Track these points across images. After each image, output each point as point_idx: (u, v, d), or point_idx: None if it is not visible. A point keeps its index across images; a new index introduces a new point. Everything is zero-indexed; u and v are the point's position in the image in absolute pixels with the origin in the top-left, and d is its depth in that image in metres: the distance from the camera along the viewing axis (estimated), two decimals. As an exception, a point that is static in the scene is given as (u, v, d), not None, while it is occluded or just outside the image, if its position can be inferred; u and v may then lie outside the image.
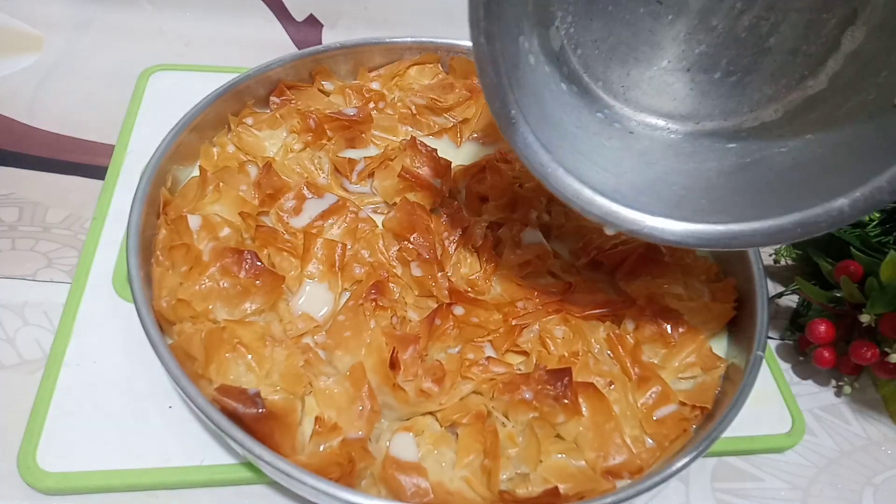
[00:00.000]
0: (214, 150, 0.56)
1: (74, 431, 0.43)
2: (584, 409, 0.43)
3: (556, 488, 0.39)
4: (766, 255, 0.63)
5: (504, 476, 0.40)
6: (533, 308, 0.49)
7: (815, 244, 0.59)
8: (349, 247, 0.50)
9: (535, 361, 0.46)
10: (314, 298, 0.48)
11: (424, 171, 0.56)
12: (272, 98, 0.62)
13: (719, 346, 0.52)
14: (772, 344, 0.58)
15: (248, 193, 0.52)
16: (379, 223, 0.54)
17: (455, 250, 0.52)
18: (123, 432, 0.43)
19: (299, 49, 0.78)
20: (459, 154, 0.62)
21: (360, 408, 0.41)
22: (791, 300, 0.61)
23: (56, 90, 0.69)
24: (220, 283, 0.45)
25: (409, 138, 0.59)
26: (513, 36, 0.36)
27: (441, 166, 0.56)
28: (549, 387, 0.42)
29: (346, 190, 0.57)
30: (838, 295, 0.54)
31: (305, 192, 0.53)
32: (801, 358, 0.58)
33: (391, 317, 0.46)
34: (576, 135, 0.43)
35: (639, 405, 0.45)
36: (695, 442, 0.42)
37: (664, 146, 0.46)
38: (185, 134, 0.54)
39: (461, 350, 0.47)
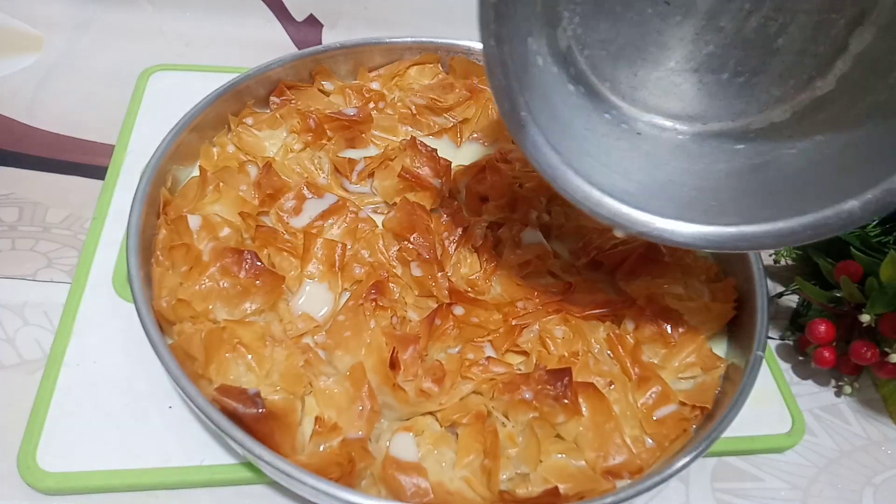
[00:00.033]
0: (214, 150, 0.56)
1: (74, 431, 0.43)
2: (584, 409, 0.43)
3: (556, 488, 0.39)
4: (766, 255, 0.63)
5: (504, 476, 0.40)
6: (533, 308, 0.49)
7: (816, 244, 0.59)
8: (349, 247, 0.50)
9: (535, 361, 0.46)
10: (314, 298, 0.48)
11: (424, 171, 0.56)
12: (272, 98, 0.62)
13: (719, 346, 0.52)
14: (772, 344, 0.58)
15: (248, 193, 0.52)
16: (379, 223, 0.54)
17: (455, 250, 0.52)
18: (123, 432, 0.43)
19: (299, 49, 0.78)
20: (459, 154, 0.62)
21: (360, 408, 0.41)
22: (791, 300, 0.61)
23: (56, 90, 0.69)
24: (220, 283, 0.45)
25: (409, 138, 0.59)
26: (521, 37, 0.36)
27: (441, 166, 0.56)
28: (549, 387, 0.42)
29: (346, 190, 0.57)
30: (838, 295, 0.54)
31: (305, 192, 0.53)
32: (801, 358, 0.58)
33: (391, 317, 0.46)
34: (584, 136, 0.43)
35: (639, 405, 0.45)
36: (695, 442, 0.42)
37: (672, 147, 0.46)
38: (185, 134, 0.54)
39: (461, 350, 0.47)
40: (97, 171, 0.60)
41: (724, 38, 0.44)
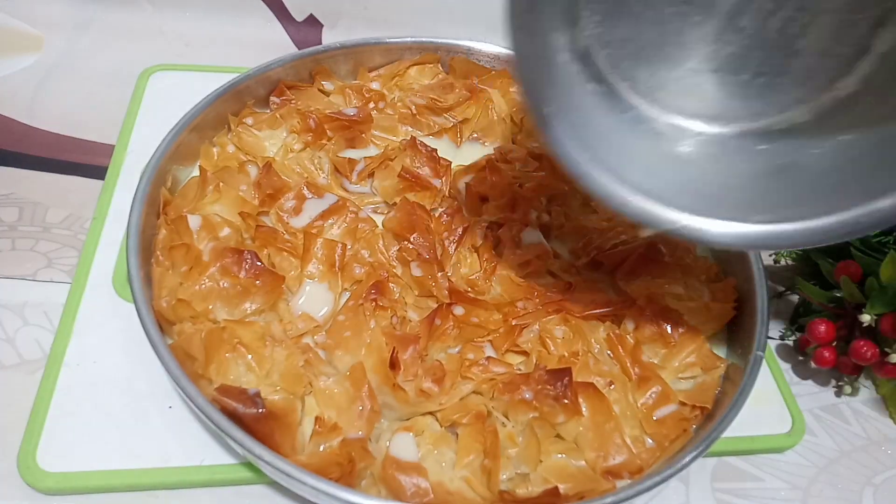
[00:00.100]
0: (214, 150, 0.56)
1: (74, 431, 0.43)
2: (584, 409, 0.43)
3: (556, 488, 0.39)
4: (766, 255, 0.63)
5: (504, 476, 0.40)
6: (533, 308, 0.49)
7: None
8: (349, 247, 0.50)
9: (535, 361, 0.46)
10: (314, 298, 0.48)
11: (424, 171, 0.56)
12: (272, 98, 0.62)
13: (719, 346, 0.52)
14: (772, 344, 0.58)
15: (248, 193, 0.52)
16: (379, 223, 0.54)
17: (455, 250, 0.52)
18: (123, 432, 0.43)
19: (299, 49, 0.78)
20: (459, 154, 0.62)
21: (360, 408, 0.41)
22: (791, 300, 0.61)
23: (56, 90, 0.69)
24: (220, 283, 0.45)
25: (409, 138, 0.59)
26: (545, 33, 0.36)
27: (441, 166, 0.56)
28: (549, 387, 0.42)
29: (346, 190, 0.57)
30: (838, 295, 0.54)
31: (305, 192, 0.53)
32: (801, 358, 0.58)
33: (391, 317, 0.46)
34: (607, 134, 0.43)
35: (639, 405, 0.45)
36: (695, 442, 0.42)
37: (693, 147, 0.46)
38: (185, 134, 0.54)
39: (461, 350, 0.47)
40: (97, 171, 0.60)
41: (744, 38, 0.43)
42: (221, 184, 0.51)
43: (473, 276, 0.51)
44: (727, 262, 0.55)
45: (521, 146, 0.62)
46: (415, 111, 0.63)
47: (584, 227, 0.55)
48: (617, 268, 0.53)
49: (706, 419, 0.46)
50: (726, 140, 0.46)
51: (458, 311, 0.47)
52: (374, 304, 0.45)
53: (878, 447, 0.53)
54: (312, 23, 0.81)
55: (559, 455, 0.42)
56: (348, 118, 0.59)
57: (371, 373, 0.42)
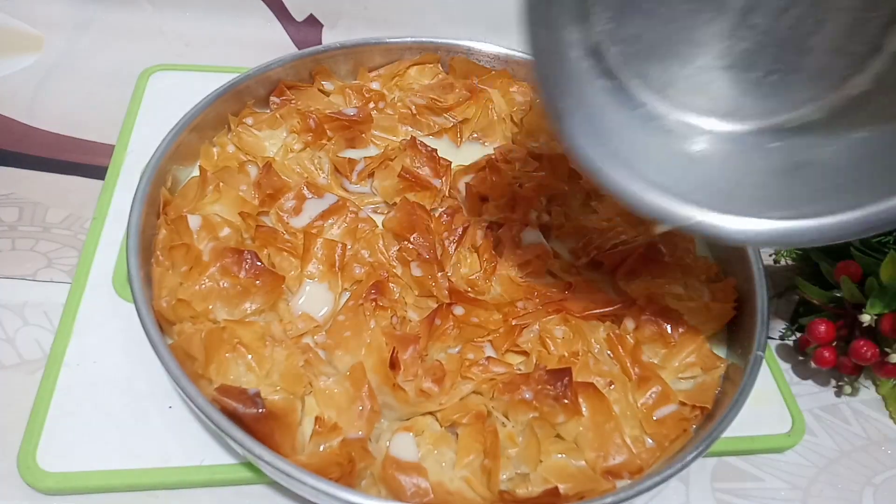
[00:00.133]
0: (214, 150, 0.56)
1: (74, 431, 0.43)
2: (584, 409, 0.43)
3: (556, 488, 0.39)
4: (766, 255, 0.63)
5: (504, 476, 0.40)
6: (533, 308, 0.49)
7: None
8: (349, 247, 0.50)
9: (535, 361, 0.46)
10: (314, 298, 0.48)
11: (424, 171, 0.56)
12: (272, 98, 0.62)
13: (719, 346, 0.52)
14: (772, 344, 0.58)
15: (248, 193, 0.52)
16: (379, 223, 0.54)
17: (455, 250, 0.52)
18: (123, 432, 0.43)
19: (299, 49, 0.78)
20: (459, 154, 0.62)
21: (360, 408, 0.41)
22: (791, 300, 0.61)
23: (56, 90, 0.69)
24: (220, 283, 0.45)
25: (409, 138, 0.59)
26: (559, 28, 0.36)
27: (441, 166, 0.56)
28: (549, 387, 0.42)
29: (346, 190, 0.57)
30: (838, 295, 0.54)
31: (305, 192, 0.53)
32: (801, 358, 0.58)
33: (391, 317, 0.46)
34: (620, 131, 0.43)
35: (639, 405, 0.45)
36: (695, 442, 0.42)
37: (706, 144, 0.45)
38: (185, 134, 0.54)
39: (461, 350, 0.47)
40: (97, 171, 0.60)
41: (756, 35, 0.43)
42: (221, 184, 0.51)
43: (473, 276, 0.51)
44: (727, 262, 0.55)
45: (521, 146, 0.62)
46: (415, 111, 0.63)
47: (584, 227, 0.55)
48: (617, 268, 0.53)
49: (706, 419, 0.46)
50: (739, 137, 0.45)
51: (458, 311, 0.47)
52: (374, 304, 0.45)
53: (878, 447, 0.53)
54: (312, 23, 0.81)
55: (559, 455, 0.42)
56: (348, 118, 0.59)
57: (371, 373, 0.42)
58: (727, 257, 0.55)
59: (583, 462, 0.42)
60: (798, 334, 0.57)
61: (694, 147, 0.45)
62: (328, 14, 0.80)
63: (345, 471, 0.38)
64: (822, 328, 0.52)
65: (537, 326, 0.48)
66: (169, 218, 0.49)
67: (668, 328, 0.49)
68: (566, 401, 0.42)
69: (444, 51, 0.68)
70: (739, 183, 0.42)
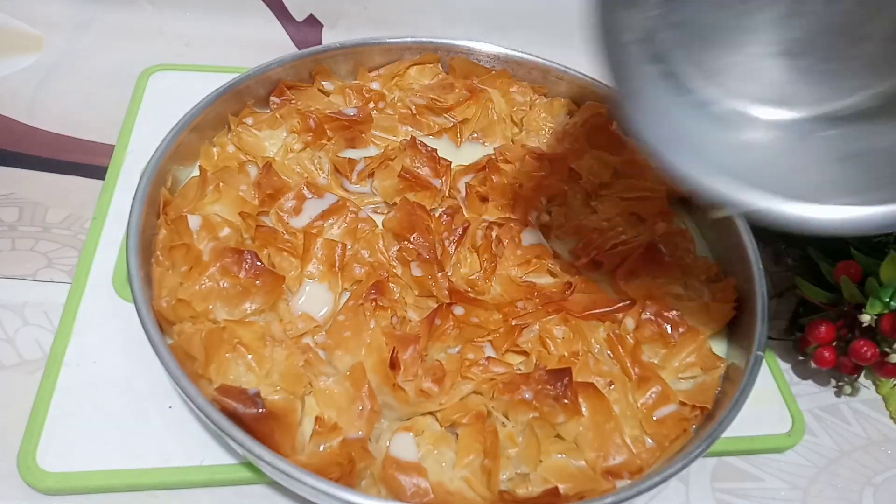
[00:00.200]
0: (214, 150, 0.56)
1: (74, 431, 0.43)
2: (584, 409, 0.43)
3: (556, 488, 0.39)
4: (766, 255, 0.63)
5: (504, 476, 0.40)
6: (533, 308, 0.49)
7: (815, 244, 0.59)
8: (349, 247, 0.50)
9: (535, 361, 0.46)
10: (314, 298, 0.48)
11: (424, 171, 0.56)
12: (272, 98, 0.62)
13: (719, 346, 0.52)
14: (772, 344, 0.58)
15: (248, 193, 0.52)
16: (379, 223, 0.54)
17: (455, 250, 0.52)
18: (123, 432, 0.43)
19: (299, 49, 0.78)
20: (459, 154, 0.62)
21: (360, 408, 0.41)
22: (791, 300, 0.61)
23: (56, 90, 0.69)
24: (220, 283, 0.45)
25: (409, 138, 0.59)
26: (615, 9, 0.36)
27: (441, 166, 0.56)
28: (549, 387, 0.42)
29: (346, 190, 0.57)
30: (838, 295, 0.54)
31: (305, 192, 0.53)
32: (801, 358, 0.58)
33: (391, 317, 0.46)
34: (674, 116, 0.42)
35: (639, 405, 0.45)
36: (695, 442, 0.42)
37: (758, 132, 0.45)
38: (185, 134, 0.53)
39: (461, 350, 0.47)
40: (97, 171, 0.60)
41: (808, 22, 0.42)
42: (221, 184, 0.51)
43: (473, 276, 0.51)
44: (727, 262, 0.55)
45: (521, 146, 0.62)
46: (415, 111, 0.63)
47: (584, 227, 0.55)
48: (617, 268, 0.53)
49: (706, 419, 0.46)
50: (792, 125, 0.45)
51: (458, 311, 0.47)
52: (374, 304, 0.45)
53: (878, 447, 0.53)
54: (312, 23, 0.81)
55: (559, 455, 0.42)
56: (348, 118, 0.59)
57: (371, 373, 0.42)
58: (727, 257, 0.55)
59: (583, 462, 0.42)
60: (798, 334, 0.57)
61: (747, 134, 0.44)
62: (328, 14, 0.80)
63: (345, 471, 0.38)
64: (822, 328, 0.52)
65: (537, 326, 0.48)
66: (169, 218, 0.49)
67: (668, 328, 0.49)
68: (566, 401, 0.42)
69: (444, 51, 0.68)
70: (798, 169, 0.41)
